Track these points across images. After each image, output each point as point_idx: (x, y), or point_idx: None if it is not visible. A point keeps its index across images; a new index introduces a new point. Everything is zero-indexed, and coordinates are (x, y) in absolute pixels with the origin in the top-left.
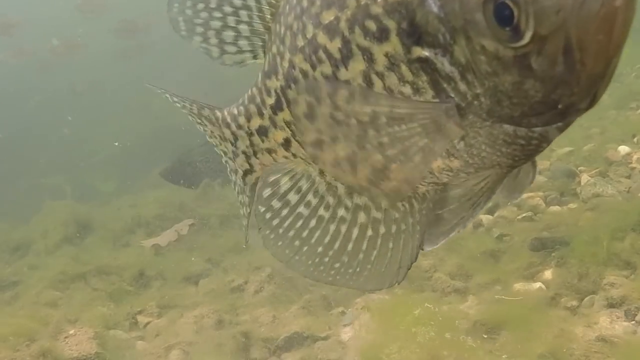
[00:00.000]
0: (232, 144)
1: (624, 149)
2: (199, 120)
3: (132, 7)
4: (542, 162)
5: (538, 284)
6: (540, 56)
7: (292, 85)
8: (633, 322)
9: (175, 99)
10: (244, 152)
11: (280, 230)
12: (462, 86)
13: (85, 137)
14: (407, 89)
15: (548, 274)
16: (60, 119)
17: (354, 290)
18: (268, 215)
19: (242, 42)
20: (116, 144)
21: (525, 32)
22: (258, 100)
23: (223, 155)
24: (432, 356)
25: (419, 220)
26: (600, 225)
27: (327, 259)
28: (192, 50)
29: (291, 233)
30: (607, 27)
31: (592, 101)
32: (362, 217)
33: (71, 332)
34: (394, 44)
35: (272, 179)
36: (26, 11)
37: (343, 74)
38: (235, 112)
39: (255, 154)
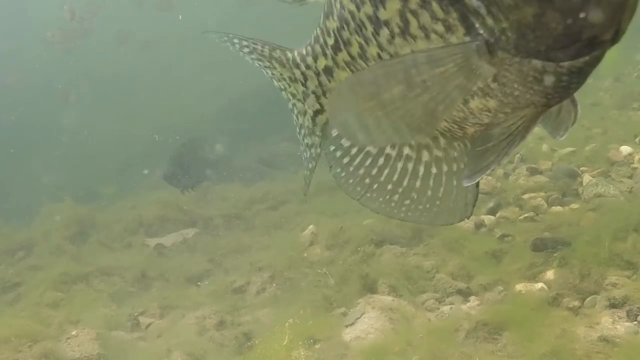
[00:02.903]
0: (302, 84)
1: (625, 149)
2: (267, 64)
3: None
4: (544, 162)
5: (540, 285)
6: None
7: (345, 26)
8: (635, 322)
9: (245, 42)
10: (313, 92)
11: (351, 169)
12: (489, 21)
13: (85, 139)
14: (440, 27)
15: (550, 274)
16: (59, 121)
17: (355, 291)
18: (338, 154)
19: None
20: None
21: None
22: (321, 40)
23: (291, 97)
24: (435, 357)
25: None
26: (602, 226)
27: (397, 196)
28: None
29: (361, 171)
30: None
31: (617, 33)
32: (425, 155)
33: (73, 333)
34: None
35: None
36: None
37: (382, 13)
38: (304, 52)
39: (324, 94)
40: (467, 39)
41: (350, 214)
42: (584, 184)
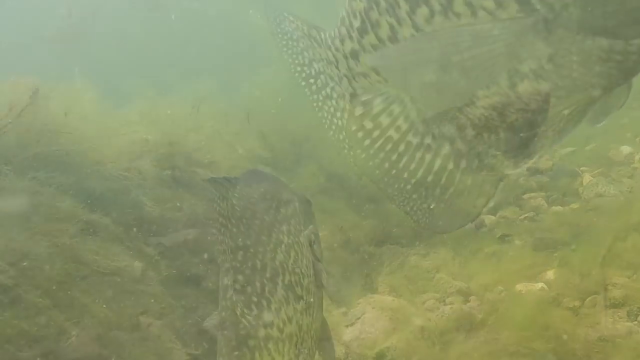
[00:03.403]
0: (335, 67)
1: (626, 149)
2: (309, 42)
3: None
4: (544, 162)
5: (540, 284)
6: None
7: (374, 7)
8: (635, 322)
9: (292, 18)
10: (345, 76)
11: (371, 151)
12: None
13: (85, 139)
14: (489, 3)
15: (550, 274)
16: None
17: (355, 291)
18: (360, 135)
19: None
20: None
21: None
22: (347, 22)
23: (329, 81)
24: (435, 357)
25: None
26: (602, 226)
27: (409, 187)
28: None
29: (381, 155)
30: None
31: None
32: (446, 147)
33: (73, 333)
34: None
35: (364, 98)
36: None
37: None
38: (333, 34)
39: (354, 77)
40: (521, 16)
41: (351, 214)
42: (584, 184)
